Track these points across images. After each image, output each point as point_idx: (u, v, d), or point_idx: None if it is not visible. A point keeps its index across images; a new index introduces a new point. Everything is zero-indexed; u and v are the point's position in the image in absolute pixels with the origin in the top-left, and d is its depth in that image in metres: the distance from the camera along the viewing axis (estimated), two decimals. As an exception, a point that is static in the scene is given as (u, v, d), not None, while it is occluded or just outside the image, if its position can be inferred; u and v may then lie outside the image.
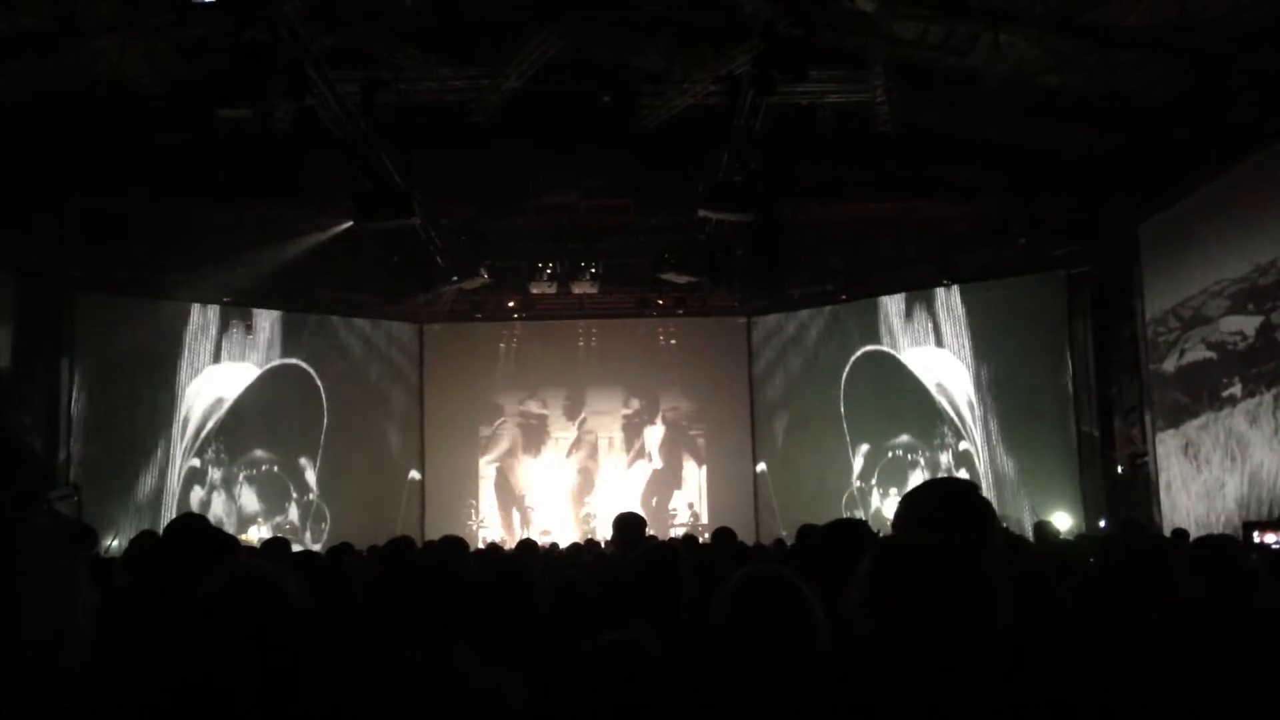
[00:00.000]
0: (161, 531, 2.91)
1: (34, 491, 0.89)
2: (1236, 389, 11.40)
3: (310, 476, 16.98)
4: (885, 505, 16.49)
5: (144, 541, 3.50)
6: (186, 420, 15.61)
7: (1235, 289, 11.42)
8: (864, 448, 17.12)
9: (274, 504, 16.61)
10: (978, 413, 15.64)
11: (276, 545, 7.60)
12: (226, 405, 16.14)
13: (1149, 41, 11.15)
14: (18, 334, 13.46)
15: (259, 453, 16.54)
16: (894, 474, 16.64)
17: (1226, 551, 3.17)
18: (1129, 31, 11.12)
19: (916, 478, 16.18)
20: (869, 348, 17.10)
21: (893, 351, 16.82)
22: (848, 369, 17.32)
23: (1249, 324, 11.22)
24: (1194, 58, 11.15)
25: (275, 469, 16.66)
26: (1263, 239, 10.84)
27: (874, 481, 16.92)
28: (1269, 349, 10.85)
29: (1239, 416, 11.33)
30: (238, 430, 16.28)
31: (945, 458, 16.07)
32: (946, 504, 2.22)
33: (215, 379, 16.06)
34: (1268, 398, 10.81)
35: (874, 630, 1.66)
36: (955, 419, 15.94)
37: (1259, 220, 10.86)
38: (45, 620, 0.85)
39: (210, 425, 15.94)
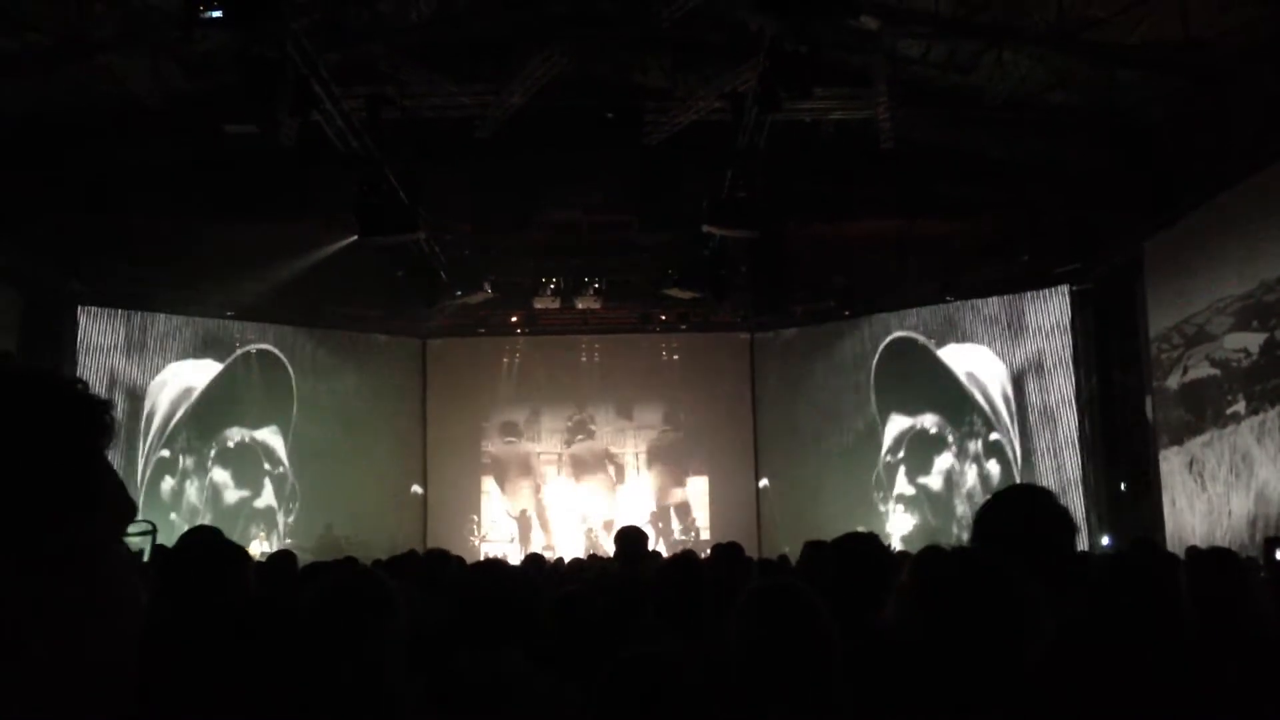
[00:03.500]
0: (174, 544, 2.91)
1: (120, 523, 0.94)
2: (1241, 406, 11.39)
3: (282, 450, 16.92)
4: (908, 488, 16.51)
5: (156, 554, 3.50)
6: (152, 414, 15.49)
7: (1239, 306, 11.42)
8: (892, 424, 17.04)
9: (248, 479, 16.53)
10: (1012, 407, 15.57)
11: (285, 558, 7.60)
12: (196, 393, 16.06)
13: (1150, 60, 11.19)
14: (22, 347, 13.49)
15: (232, 430, 16.45)
16: (921, 452, 16.60)
17: (1225, 566, 3.16)
18: (1130, 49, 11.17)
19: (943, 460, 16.18)
20: (902, 334, 17.00)
21: (921, 339, 16.73)
22: (878, 353, 17.22)
23: (1253, 341, 11.22)
24: (1195, 75, 11.19)
25: (247, 441, 16.57)
26: (1266, 256, 10.85)
27: (901, 455, 16.87)
28: (1273, 366, 10.85)
29: (1244, 433, 11.32)
30: (209, 414, 16.19)
31: (974, 445, 16.03)
32: (1026, 513, 2.22)
33: (180, 372, 15.94)
34: (1272, 414, 10.80)
35: (913, 641, 1.66)
36: (987, 408, 15.87)
37: (1262, 237, 10.87)
38: (114, 644, 0.88)
39: (180, 414, 15.87)
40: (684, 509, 18.80)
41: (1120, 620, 2.35)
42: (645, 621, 2.96)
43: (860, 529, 15.19)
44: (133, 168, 13.47)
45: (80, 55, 11.43)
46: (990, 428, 15.79)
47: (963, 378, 16.10)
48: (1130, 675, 1.81)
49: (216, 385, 16.30)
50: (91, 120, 12.60)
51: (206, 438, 16.18)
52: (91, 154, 13.00)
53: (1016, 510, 2.20)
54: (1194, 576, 2.82)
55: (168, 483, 15.62)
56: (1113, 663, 1.80)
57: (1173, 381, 12.79)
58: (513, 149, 14.16)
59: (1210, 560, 3.08)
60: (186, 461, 15.89)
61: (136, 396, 15.28)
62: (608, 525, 17.06)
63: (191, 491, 15.83)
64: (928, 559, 1.72)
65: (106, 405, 0.93)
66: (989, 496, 2.29)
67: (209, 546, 2.67)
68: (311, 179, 13.53)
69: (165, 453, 15.60)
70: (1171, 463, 12.86)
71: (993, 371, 15.80)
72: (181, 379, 15.94)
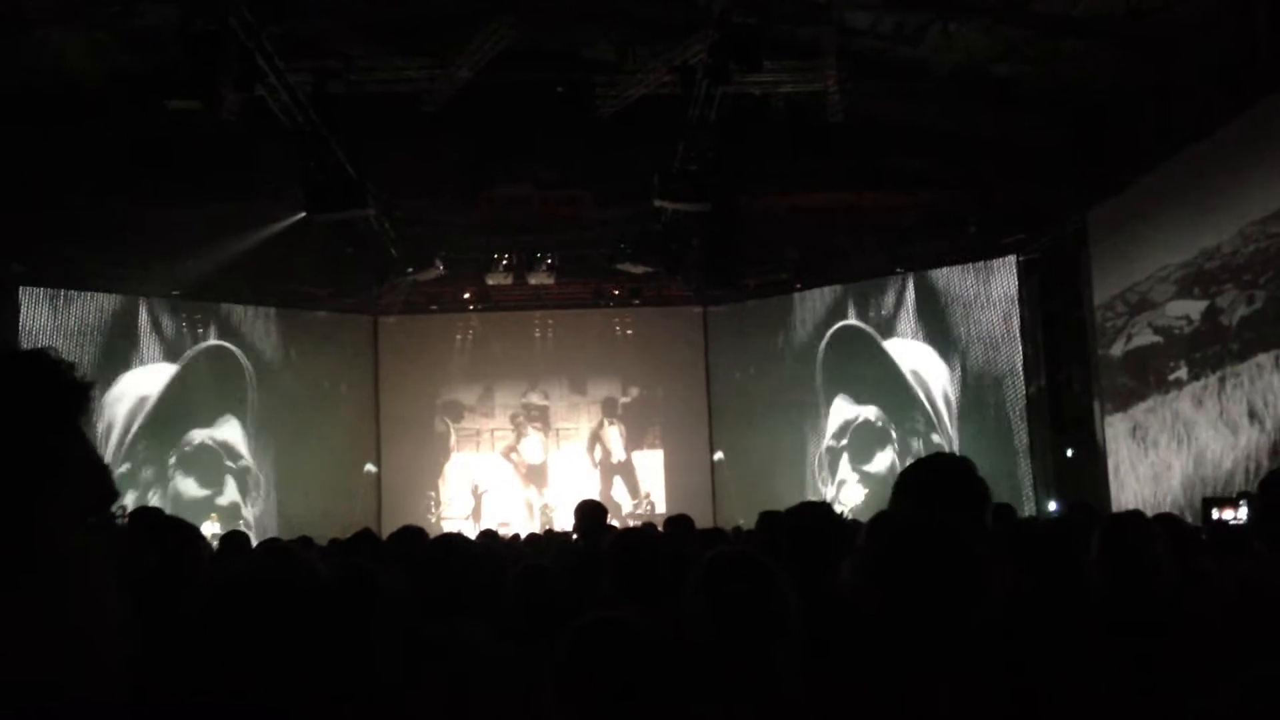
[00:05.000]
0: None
1: (95, 505, 0.91)
2: (1183, 372, 11.64)
3: (242, 444, 16.75)
4: (851, 474, 16.71)
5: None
6: (110, 429, 15.22)
7: (1181, 274, 11.65)
8: (836, 408, 17.21)
9: (210, 478, 16.35)
10: (953, 408, 15.79)
11: (235, 538, 7.54)
12: (151, 402, 15.78)
13: (1095, 30, 11.33)
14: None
15: (191, 434, 16.24)
16: (865, 442, 16.79)
17: (1133, 528, 3.23)
18: (1075, 21, 11.30)
19: (886, 455, 16.38)
20: (849, 322, 17.13)
21: (871, 330, 16.88)
22: (826, 339, 17.35)
23: (1194, 308, 11.46)
24: (1138, 46, 11.35)
25: (208, 442, 16.38)
26: (1207, 224, 11.07)
27: (845, 443, 17.05)
28: (1213, 333, 11.09)
29: (1185, 399, 11.57)
30: (165, 421, 15.93)
31: (916, 443, 16.23)
32: (943, 479, 2.28)
33: (135, 381, 15.63)
34: (1213, 380, 11.05)
35: (869, 602, 1.70)
36: (929, 408, 16.08)
37: (1204, 205, 11.08)
38: (84, 625, 0.86)
39: (136, 425, 15.61)
40: (639, 483, 18.87)
41: (1039, 583, 2.42)
42: (604, 592, 3.00)
43: (822, 484, 15.28)
44: (74, 146, 13.18)
45: (16, 30, 11.16)
46: (931, 428, 16.01)
47: (908, 375, 16.29)
48: (1041, 637, 1.88)
49: (170, 390, 15.97)
50: (31, 98, 12.31)
51: (165, 445, 15.93)
52: (31, 133, 12.70)
53: (934, 477, 2.27)
54: (1107, 538, 2.90)
55: (130, 497, 15.35)
56: (1030, 623, 1.87)
57: (1117, 349, 13.03)
58: (462, 124, 14.06)
59: (1122, 522, 3.16)
60: (146, 473, 15.57)
61: (91, 383, 14.96)
62: (563, 501, 17.09)
63: (154, 501, 15.54)
64: (883, 524, 1.76)
65: (67, 370, 0.90)
66: (909, 463, 2.35)
67: (157, 524, 2.65)
68: (257, 155, 13.35)
69: (126, 466, 15.25)
70: (1116, 429, 13.12)
71: (935, 370, 16.01)
72: (135, 388, 15.61)
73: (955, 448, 15.41)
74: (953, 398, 15.84)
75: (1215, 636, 2.35)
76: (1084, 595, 2.66)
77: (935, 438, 15.92)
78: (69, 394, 0.90)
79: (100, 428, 14.99)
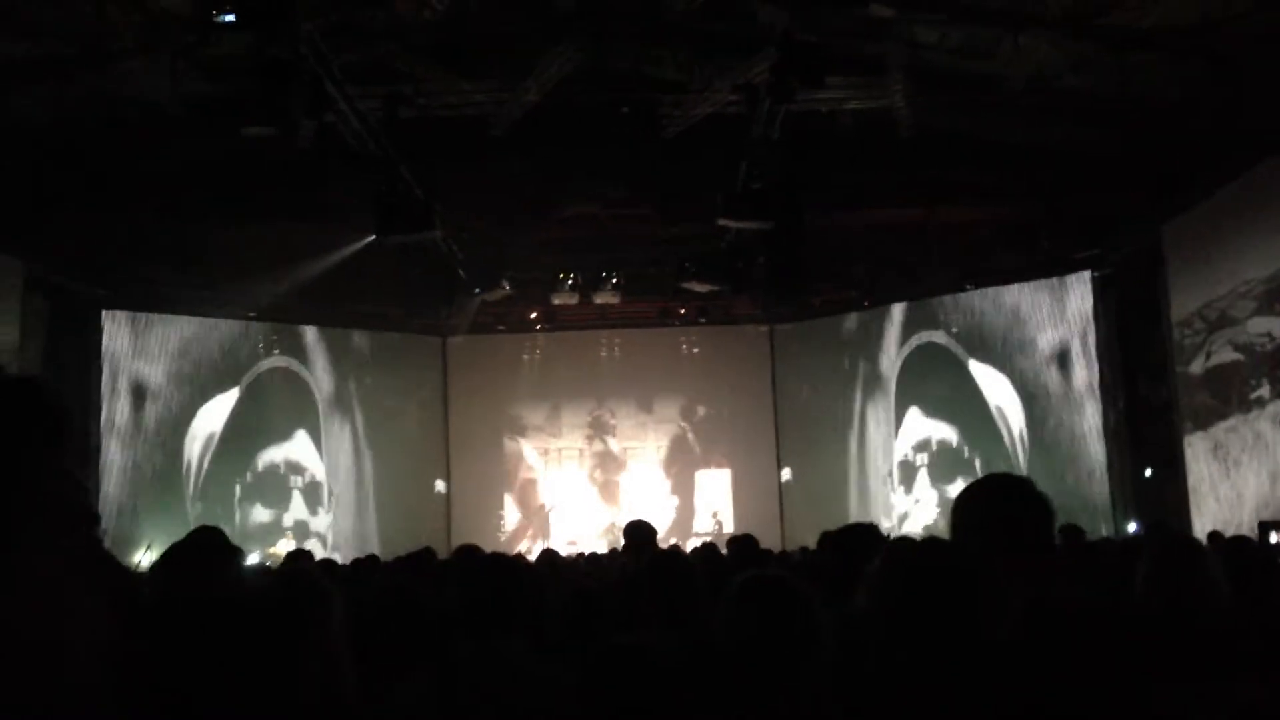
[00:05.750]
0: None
1: (66, 526, 0.92)
2: (1264, 390, 11.29)
3: (311, 459, 17.00)
4: (929, 493, 16.45)
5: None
6: (188, 467, 15.61)
7: (1262, 289, 11.32)
8: (911, 424, 16.95)
9: (277, 498, 16.61)
10: (1027, 425, 15.47)
11: (301, 556, 7.68)
12: (217, 437, 16.08)
13: (1165, 44, 11.08)
14: (48, 353, 13.66)
15: (257, 456, 16.53)
16: (944, 464, 16.52)
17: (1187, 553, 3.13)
18: (1146, 33, 11.05)
19: (967, 480, 16.09)
20: (930, 338, 16.86)
21: (953, 347, 16.62)
22: (905, 354, 17.13)
23: (1277, 325, 11.12)
24: (1210, 59, 11.07)
25: (275, 461, 16.64)
26: (1288, 238, 10.75)
27: (924, 460, 16.79)
28: (1296, 350, 10.75)
29: (1266, 419, 11.21)
30: (231, 450, 16.20)
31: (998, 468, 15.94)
32: (1005, 498, 2.23)
33: (205, 417, 15.99)
34: (1295, 399, 10.71)
35: (880, 628, 1.68)
36: (1009, 446, 15.73)
37: (1283, 220, 10.77)
38: (59, 644, 0.87)
39: (207, 461, 15.90)
40: (707, 503, 18.81)
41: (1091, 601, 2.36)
42: (641, 613, 3.00)
43: (884, 521, 15.09)
44: (154, 172, 13.58)
45: (99, 62, 11.54)
46: (1010, 453, 15.67)
47: (993, 410, 15.95)
48: (1087, 652, 1.83)
49: (235, 417, 16.31)
50: (113, 126, 12.70)
51: (235, 471, 16.25)
52: (113, 160, 13.11)
53: (994, 497, 2.21)
54: (1155, 560, 2.82)
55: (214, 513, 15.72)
56: (1073, 639, 1.82)
57: (1196, 367, 12.69)
58: (529, 145, 14.17)
59: (1172, 544, 3.07)
60: (219, 504, 15.87)
61: (148, 395, 15.33)
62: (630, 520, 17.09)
63: (229, 529, 15.80)
64: (896, 548, 1.74)
65: (47, 396, 0.92)
66: (967, 485, 2.30)
67: (198, 545, 2.71)
68: (329, 180, 13.61)
69: (200, 505, 15.61)
70: (1196, 448, 12.76)
71: (1015, 408, 15.68)
72: (205, 424, 15.97)
73: (1026, 468, 15.12)
74: (1025, 416, 15.52)
75: (1249, 660, 2.28)
76: (1128, 616, 2.59)
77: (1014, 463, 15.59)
78: (46, 419, 0.92)
79: (182, 464, 15.44)
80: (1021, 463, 15.35)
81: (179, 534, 2.96)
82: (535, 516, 18.81)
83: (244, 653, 1.51)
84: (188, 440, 15.62)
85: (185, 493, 15.47)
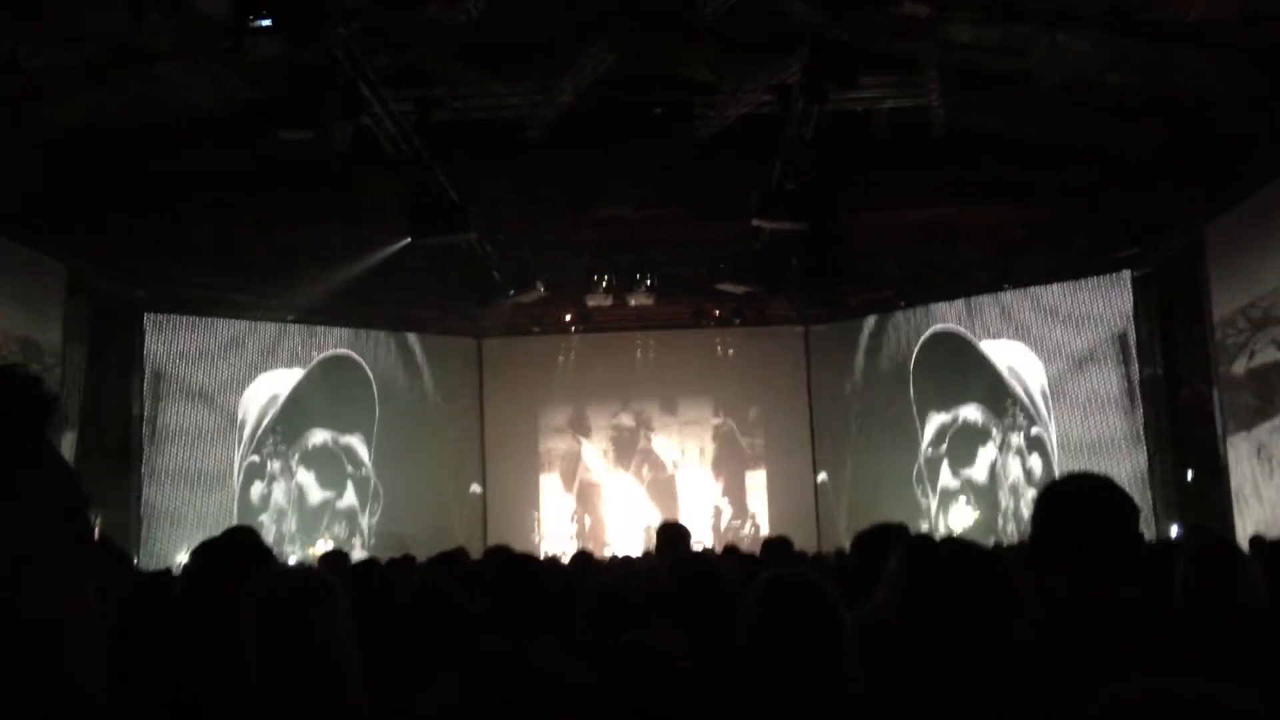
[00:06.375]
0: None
1: (56, 513, 0.92)
2: (1310, 391, 11.09)
3: (364, 452, 17.19)
4: (952, 481, 16.35)
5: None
6: (243, 423, 15.93)
7: (1307, 288, 11.13)
8: (932, 418, 16.90)
9: (332, 480, 16.84)
10: (1050, 404, 15.37)
11: (336, 558, 7.74)
12: (281, 400, 16.49)
13: (1209, 38, 10.91)
14: (91, 356, 13.90)
15: (314, 433, 16.85)
16: (964, 445, 16.43)
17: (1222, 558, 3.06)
18: (1188, 28, 10.89)
19: (987, 453, 16.00)
20: (939, 327, 16.85)
21: (964, 332, 16.56)
22: (918, 346, 17.11)
23: (1322, 324, 10.93)
24: (1253, 53, 10.89)
25: (330, 444, 16.92)
26: (1333, 236, 10.55)
27: (944, 449, 16.71)
28: (1342, 349, 10.55)
29: (1312, 419, 11.02)
30: (293, 418, 16.61)
31: (1017, 438, 15.82)
32: (1091, 494, 2.16)
33: (268, 381, 16.44)
34: (1341, 399, 10.51)
35: (900, 625, 1.66)
36: (1027, 402, 15.67)
37: (1329, 217, 10.58)
38: (45, 626, 0.87)
39: (266, 420, 16.26)
40: (742, 504, 18.76)
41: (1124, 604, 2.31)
42: (663, 613, 2.99)
43: (923, 524, 15.00)
44: (193, 175, 13.73)
45: (137, 66, 11.68)
46: (1031, 421, 15.56)
47: (1003, 370, 15.90)
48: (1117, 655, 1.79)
49: (299, 390, 16.70)
50: (153, 130, 12.86)
51: (290, 441, 16.53)
52: (152, 163, 13.27)
53: (1078, 495, 2.13)
54: (1192, 562, 2.77)
55: (257, 487, 16.05)
56: (1102, 644, 1.78)
57: (1239, 367, 12.48)
58: (561, 147, 14.19)
59: (1216, 550, 3.02)
60: (273, 465, 16.27)
61: (212, 402, 15.64)
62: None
63: (279, 494, 16.22)
64: (915, 547, 1.72)
65: (32, 385, 0.92)
66: (1043, 487, 2.20)
67: (227, 546, 2.73)
68: (364, 182, 13.71)
69: (255, 458, 16.00)
70: (1239, 450, 12.56)
71: (1031, 367, 15.60)
72: (268, 387, 16.42)
73: (1053, 439, 15.04)
74: (1047, 390, 15.40)
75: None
76: (1163, 617, 2.54)
77: (1036, 430, 15.47)
78: (33, 407, 0.93)
79: (237, 419, 15.70)
80: (1053, 441, 15.22)
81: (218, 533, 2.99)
82: (569, 518, 18.83)
83: (243, 652, 1.51)
84: (246, 396, 16.01)
85: (234, 448, 15.71)
